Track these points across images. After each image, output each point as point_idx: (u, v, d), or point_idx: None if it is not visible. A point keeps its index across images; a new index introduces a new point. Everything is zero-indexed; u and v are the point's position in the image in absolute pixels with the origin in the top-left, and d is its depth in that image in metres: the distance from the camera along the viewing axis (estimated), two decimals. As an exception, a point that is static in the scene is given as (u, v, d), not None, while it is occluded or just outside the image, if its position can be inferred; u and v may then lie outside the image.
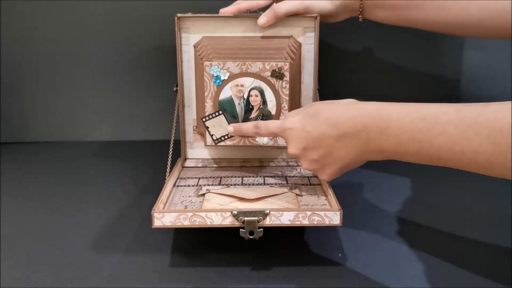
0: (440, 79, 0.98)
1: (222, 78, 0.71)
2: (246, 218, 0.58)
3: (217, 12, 0.82)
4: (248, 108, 0.72)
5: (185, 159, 0.82)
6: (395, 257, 0.62)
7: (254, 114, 0.72)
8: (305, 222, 0.59)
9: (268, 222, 0.59)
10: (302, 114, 0.60)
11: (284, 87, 0.69)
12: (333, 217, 0.59)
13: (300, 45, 0.78)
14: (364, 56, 0.97)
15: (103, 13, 0.95)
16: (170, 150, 0.74)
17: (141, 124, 1.00)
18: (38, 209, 0.76)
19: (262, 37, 0.76)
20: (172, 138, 0.76)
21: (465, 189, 0.81)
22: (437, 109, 0.50)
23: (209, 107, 0.72)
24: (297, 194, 0.67)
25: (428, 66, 0.97)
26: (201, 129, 0.80)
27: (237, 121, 0.73)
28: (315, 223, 0.59)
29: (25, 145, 0.98)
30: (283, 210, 0.59)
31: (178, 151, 0.80)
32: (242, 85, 0.71)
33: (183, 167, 0.80)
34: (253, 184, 0.72)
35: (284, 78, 0.68)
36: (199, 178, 0.75)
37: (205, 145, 0.74)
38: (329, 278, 0.58)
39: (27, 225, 0.71)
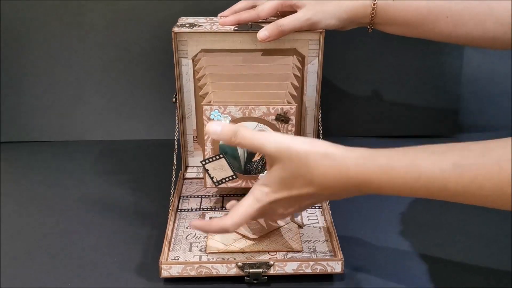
0: (440, 79, 0.95)
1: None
2: (251, 270, 0.60)
3: (218, 13, 0.78)
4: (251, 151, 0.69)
5: (186, 167, 0.82)
6: (395, 261, 0.66)
7: (257, 157, 0.69)
8: (308, 271, 0.61)
9: (272, 271, 0.61)
10: (278, 181, 0.54)
11: (290, 130, 0.66)
12: (335, 266, 0.61)
13: (303, 57, 0.75)
14: (363, 56, 0.93)
15: (103, 12, 0.90)
16: (172, 177, 0.74)
17: (141, 123, 0.98)
18: (37, 208, 0.77)
19: (263, 52, 0.73)
20: (175, 157, 0.76)
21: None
22: (432, 166, 0.47)
23: (209, 150, 0.69)
24: (299, 226, 0.69)
25: (428, 66, 0.94)
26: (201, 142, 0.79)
27: (239, 164, 0.70)
28: (318, 271, 0.61)
29: (24, 145, 0.97)
30: (287, 261, 0.61)
31: (179, 156, 0.79)
32: None
33: (184, 178, 0.81)
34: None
35: (290, 122, 0.66)
36: (201, 198, 0.76)
37: (205, 187, 0.72)
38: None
39: (27, 224, 0.73)
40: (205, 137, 0.67)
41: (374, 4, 0.68)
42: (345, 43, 0.91)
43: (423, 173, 0.48)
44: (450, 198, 0.48)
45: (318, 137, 0.79)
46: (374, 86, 0.95)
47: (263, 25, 0.71)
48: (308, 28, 0.70)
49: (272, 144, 0.53)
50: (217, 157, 0.69)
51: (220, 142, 0.68)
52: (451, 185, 0.46)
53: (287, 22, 0.69)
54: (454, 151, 0.47)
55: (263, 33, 0.69)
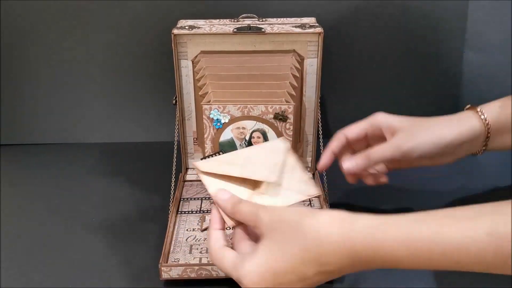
0: (440, 79, 0.94)
1: (223, 121, 0.67)
2: (251, 272, 0.60)
3: (220, 15, 0.78)
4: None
5: (186, 169, 0.82)
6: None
7: None
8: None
9: (272, 272, 0.60)
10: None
11: (288, 128, 0.66)
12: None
13: (303, 58, 0.75)
14: (364, 57, 0.93)
15: (104, 14, 0.90)
16: (172, 179, 0.74)
17: (141, 126, 0.98)
18: (38, 210, 0.77)
19: (262, 54, 0.73)
20: (174, 158, 0.75)
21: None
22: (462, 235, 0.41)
23: (208, 148, 0.69)
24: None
25: (428, 68, 0.94)
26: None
27: None
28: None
29: (25, 147, 0.97)
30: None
31: (179, 158, 0.79)
32: (243, 128, 0.68)
33: (184, 181, 0.81)
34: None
35: (288, 120, 0.66)
36: (201, 200, 0.75)
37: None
38: None
39: (27, 226, 0.73)
40: (205, 136, 0.67)
41: (487, 125, 0.59)
42: (345, 44, 0.91)
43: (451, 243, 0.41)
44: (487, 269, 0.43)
45: (317, 138, 0.79)
46: (373, 87, 0.95)
47: (263, 29, 0.71)
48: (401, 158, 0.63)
49: (267, 213, 0.49)
50: (217, 153, 0.69)
51: (220, 140, 0.68)
52: (489, 256, 0.40)
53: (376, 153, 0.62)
54: (485, 216, 0.41)
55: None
